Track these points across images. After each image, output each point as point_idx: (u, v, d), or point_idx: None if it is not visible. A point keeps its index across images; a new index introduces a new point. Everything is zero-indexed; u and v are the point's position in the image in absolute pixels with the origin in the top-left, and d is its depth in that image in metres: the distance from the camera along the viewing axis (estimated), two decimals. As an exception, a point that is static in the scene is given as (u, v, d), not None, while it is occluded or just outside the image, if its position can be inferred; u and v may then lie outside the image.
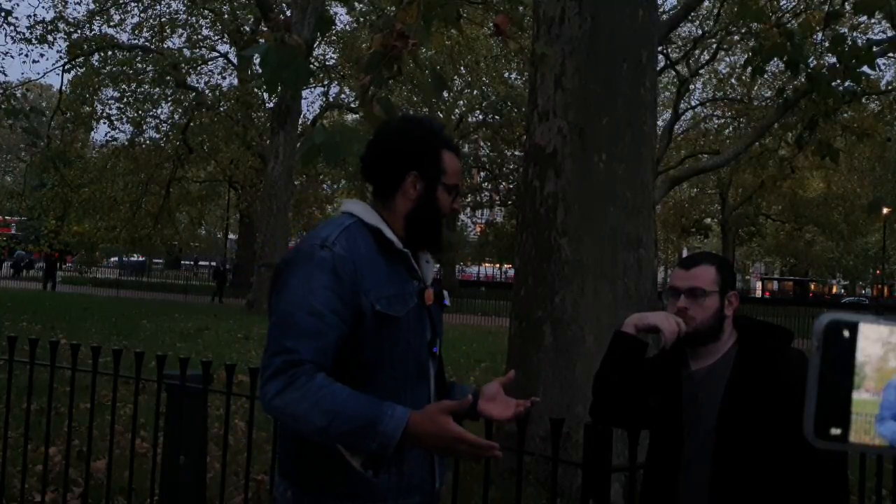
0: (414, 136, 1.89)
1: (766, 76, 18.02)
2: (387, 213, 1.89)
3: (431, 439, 1.66)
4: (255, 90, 24.65)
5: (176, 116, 27.95)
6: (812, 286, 52.17)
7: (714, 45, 23.88)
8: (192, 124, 26.97)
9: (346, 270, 1.75)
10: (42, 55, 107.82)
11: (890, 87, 20.89)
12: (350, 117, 30.71)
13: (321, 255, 1.76)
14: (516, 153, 33.06)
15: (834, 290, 59.20)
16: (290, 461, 1.86)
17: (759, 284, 57.52)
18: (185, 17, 27.14)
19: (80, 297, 23.80)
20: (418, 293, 1.88)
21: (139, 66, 25.96)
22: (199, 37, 28.11)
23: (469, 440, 1.67)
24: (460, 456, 1.73)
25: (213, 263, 52.25)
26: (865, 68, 7.79)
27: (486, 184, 39.20)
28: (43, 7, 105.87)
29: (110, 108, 26.65)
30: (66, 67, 24.74)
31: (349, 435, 1.66)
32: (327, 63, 28.12)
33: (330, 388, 1.66)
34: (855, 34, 18.47)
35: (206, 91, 27.45)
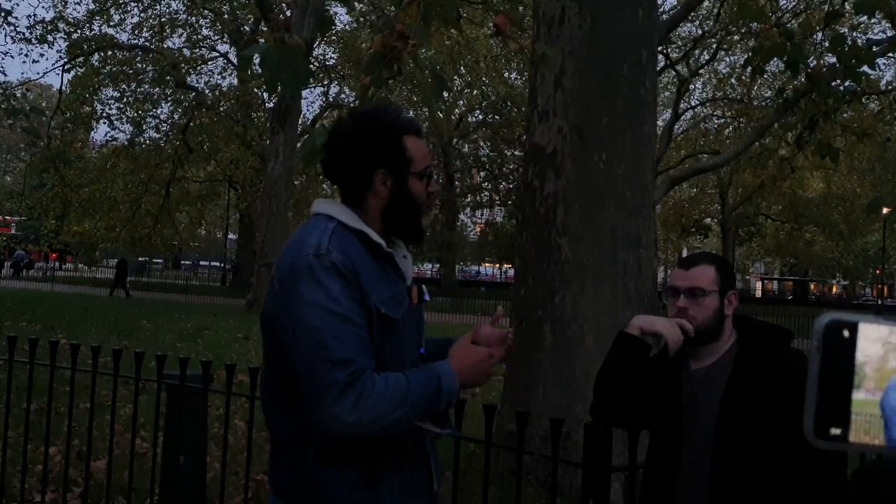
0: (372, 132, 1.81)
1: (765, 76, 18.02)
2: (361, 214, 1.82)
3: (473, 371, 1.82)
4: (255, 90, 24.64)
5: (176, 116, 27.94)
6: (812, 286, 52.15)
7: (714, 45, 23.87)
8: (192, 124, 26.95)
9: (349, 273, 1.70)
10: (42, 55, 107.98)
11: (890, 87, 20.88)
12: (350, 117, 30.60)
13: (322, 264, 1.69)
14: (516, 153, 33.03)
15: (834, 289, 59.19)
16: (285, 478, 1.81)
17: (758, 284, 57.49)
18: (184, 17, 27.12)
19: (79, 297, 23.80)
20: (408, 293, 1.85)
21: (139, 65, 25.95)
22: (199, 37, 28.08)
23: (496, 353, 1.90)
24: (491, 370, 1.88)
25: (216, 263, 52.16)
26: (865, 68, 7.79)
27: (486, 184, 39.15)
28: (43, 7, 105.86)
29: (110, 108, 26.65)
30: (65, 67, 24.71)
31: (423, 410, 1.72)
32: (327, 63, 28.11)
33: (391, 381, 1.68)
34: (855, 34, 18.45)
35: (206, 91, 27.44)
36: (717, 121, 29.86)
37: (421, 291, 1.92)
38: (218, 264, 54.25)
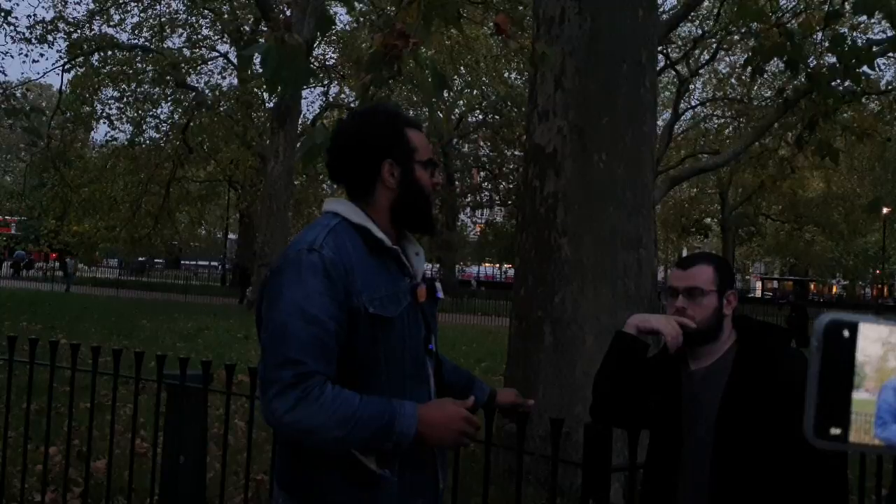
0: (376, 124, 1.84)
1: (765, 76, 18.03)
2: (370, 210, 1.83)
3: (440, 426, 1.71)
4: (255, 90, 24.63)
5: (176, 116, 27.93)
6: (812, 286, 52.15)
7: (714, 45, 23.86)
8: (191, 124, 26.94)
9: (336, 273, 1.69)
10: (42, 55, 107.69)
11: (890, 87, 20.88)
12: (350, 117, 30.62)
13: (310, 260, 1.69)
14: (516, 153, 33.04)
15: (834, 289, 59.18)
16: (289, 472, 1.81)
17: (758, 284, 57.48)
18: (184, 16, 27.14)
19: (79, 297, 23.81)
20: (411, 290, 1.83)
21: (139, 65, 25.94)
22: (199, 37, 28.10)
23: (475, 421, 1.78)
24: (465, 438, 1.77)
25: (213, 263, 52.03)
26: (865, 68, 7.78)
27: (485, 183, 39.17)
28: (43, 7, 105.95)
29: (110, 108, 26.65)
30: (65, 67, 24.71)
31: (367, 440, 1.66)
32: (327, 63, 28.11)
33: (342, 397, 1.64)
34: (855, 34, 18.45)
35: (206, 91, 27.43)
36: (717, 121, 29.86)
37: (433, 289, 1.91)
38: (208, 263, 54.06)
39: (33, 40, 24.36)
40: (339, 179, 1.89)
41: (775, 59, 8.33)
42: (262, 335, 1.72)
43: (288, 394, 1.61)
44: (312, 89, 30.55)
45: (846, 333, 0.63)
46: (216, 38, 28.97)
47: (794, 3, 19.32)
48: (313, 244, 1.72)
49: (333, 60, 28.28)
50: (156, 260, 45.31)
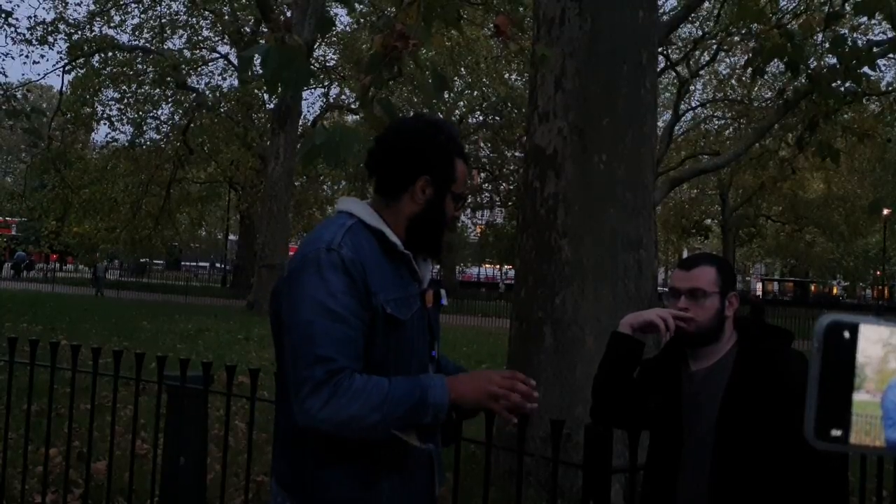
0: (432, 140, 1.85)
1: (766, 77, 18.00)
2: (388, 212, 1.85)
3: (471, 389, 1.76)
4: (256, 91, 24.63)
5: (176, 117, 27.93)
6: (812, 287, 52.11)
7: (714, 46, 23.84)
8: (192, 125, 26.94)
9: (356, 271, 1.71)
10: (42, 56, 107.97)
11: (890, 88, 20.87)
12: (350, 118, 30.69)
13: (330, 259, 1.71)
14: (516, 154, 33.03)
15: (835, 291, 59.14)
16: (289, 472, 1.82)
17: (759, 286, 57.44)
18: (185, 18, 27.17)
19: (80, 298, 23.82)
20: (420, 296, 1.85)
21: (139, 67, 25.96)
22: (200, 38, 28.13)
23: (503, 373, 1.81)
24: (498, 397, 1.77)
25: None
26: (866, 69, 7.79)
27: (486, 185, 39.17)
28: (43, 8, 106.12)
29: (111, 109, 26.65)
30: (66, 68, 24.73)
31: (403, 418, 1.69)
32: (327, 64, 28.13)
33: (371, 382, 1.66)
34: (855, 35, 18.45)
35: (207, 92, 27.43)
36: (717, 122, 29.87)
37: (438, 295, 1.93)
38: (208, 264, 53.94)
39: (34, 41, 24.40)
40: (373, 171, 1.90)
41: (776, 60, 8.33)
42: (288, 337, 1.73)
43: (321, 390, 1.63)
44: (313, 90, 30.56)
45: (846, 335, 0.63)
46: (216, 39, 29.02)
47: (794, 5, 19.33)
48: (331, 244, 1.73)
49: (334, 61, 28.31)
50: (152, 260, 45.15)
